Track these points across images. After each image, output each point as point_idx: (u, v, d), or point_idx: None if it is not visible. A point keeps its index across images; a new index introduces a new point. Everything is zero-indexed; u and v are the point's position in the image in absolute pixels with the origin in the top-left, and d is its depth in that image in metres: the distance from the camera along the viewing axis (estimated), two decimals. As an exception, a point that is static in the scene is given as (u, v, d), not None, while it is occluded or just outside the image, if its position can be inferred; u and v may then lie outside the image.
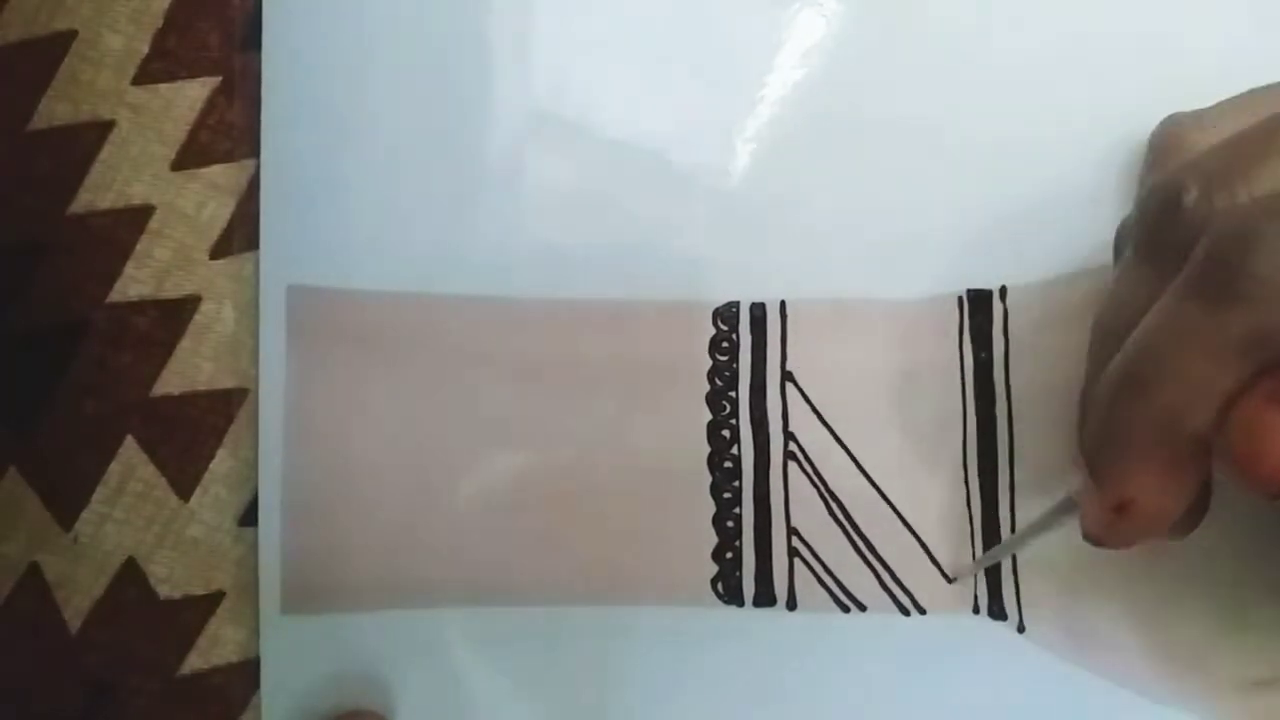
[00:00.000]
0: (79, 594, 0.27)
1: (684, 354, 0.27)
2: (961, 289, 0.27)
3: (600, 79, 0.28)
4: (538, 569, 0.27)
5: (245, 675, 0.27)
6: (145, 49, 0.28)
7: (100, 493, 0.27)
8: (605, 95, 0.28)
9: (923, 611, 0.26)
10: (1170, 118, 0.24)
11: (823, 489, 0.27)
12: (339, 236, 0.27)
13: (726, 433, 0.27)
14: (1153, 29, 0.27)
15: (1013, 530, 0.26)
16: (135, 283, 0.27)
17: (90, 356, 0.27)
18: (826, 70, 0.28)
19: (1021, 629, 0.26)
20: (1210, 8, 0.27)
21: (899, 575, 0.26)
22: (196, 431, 0.27)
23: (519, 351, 0.27)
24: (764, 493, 0.27)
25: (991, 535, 0.27)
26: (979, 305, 0.27)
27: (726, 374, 0.27)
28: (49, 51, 0.28)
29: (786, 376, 0.27)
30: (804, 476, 0.27)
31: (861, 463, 0.27)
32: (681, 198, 0.27)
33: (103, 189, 0.27)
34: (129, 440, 0.27)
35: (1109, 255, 0.23)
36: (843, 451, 0.27)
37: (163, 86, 0.28)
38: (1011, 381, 0.27)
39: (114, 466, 0.27)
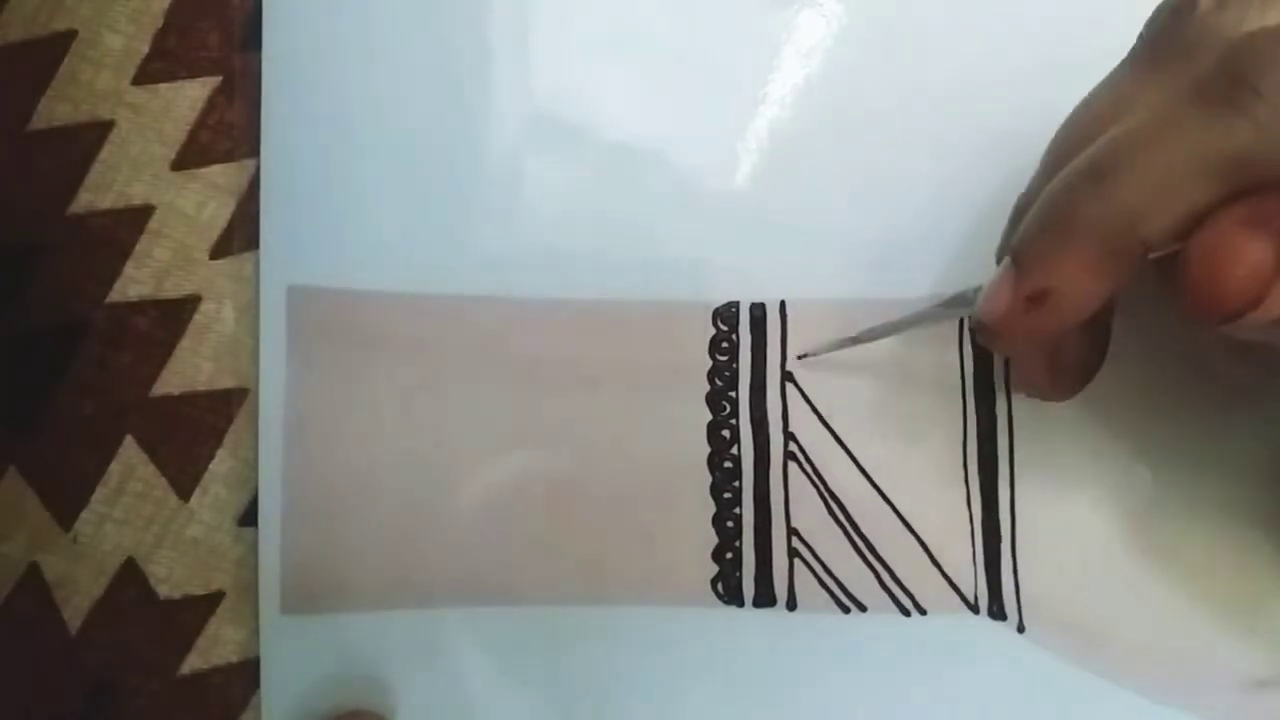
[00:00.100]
0: (79, 594, 0.27)
1: (684, 354, 0.27)
2: (961, 289, 0.27)
3: (600, 80, 0.28)
4: (538, 569, 0.27)
5: (245, 675, 0.27)
6: (145, 49, 0.28)
7: (100, 493, 0.27)
8: (605, 96, 0.28)
9: (923, 612, 0.26)
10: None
11: (822, 489, 0.27)
12: (339, 236, 0.27)
13: (726, 433, 0.27)
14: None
15: (1013, 531, 0.26)
16: (135, 283, 0.27)
17: (90, 356, 0.27)
18: (826, 71, 0.28)
19: (1021, 629, 0.26)
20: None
21: (899, 575, 0.26)
22: (196, 431, 0.27)
23: (519, 351, 0.27)
24: (764, 493, 0.27)
25: (991, 535, 0.27)
26: (979, 305, 0.27)
27: (726, 374, 0.27)
28: (49, 51, 0.28)
29: (786, 376, 0.27)
30: (804, 476, 0.27)
31: (861, 463, 0.27)
32: (681, 198, 0.27)
33: (103, 189, 0.27)
34: (129, 440, 0.27)
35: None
36: (843, 451, 0.27)
37: (163, 86, 0.28)
38: (1011, 381, 0.27)
39: (114, 466, 0.27)
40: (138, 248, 0.27)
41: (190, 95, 0.28)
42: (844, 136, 0.27)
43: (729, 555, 0.27)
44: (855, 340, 0.26)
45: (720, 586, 0.27)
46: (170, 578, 0.27)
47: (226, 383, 0.27)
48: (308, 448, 0.27)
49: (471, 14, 0.28)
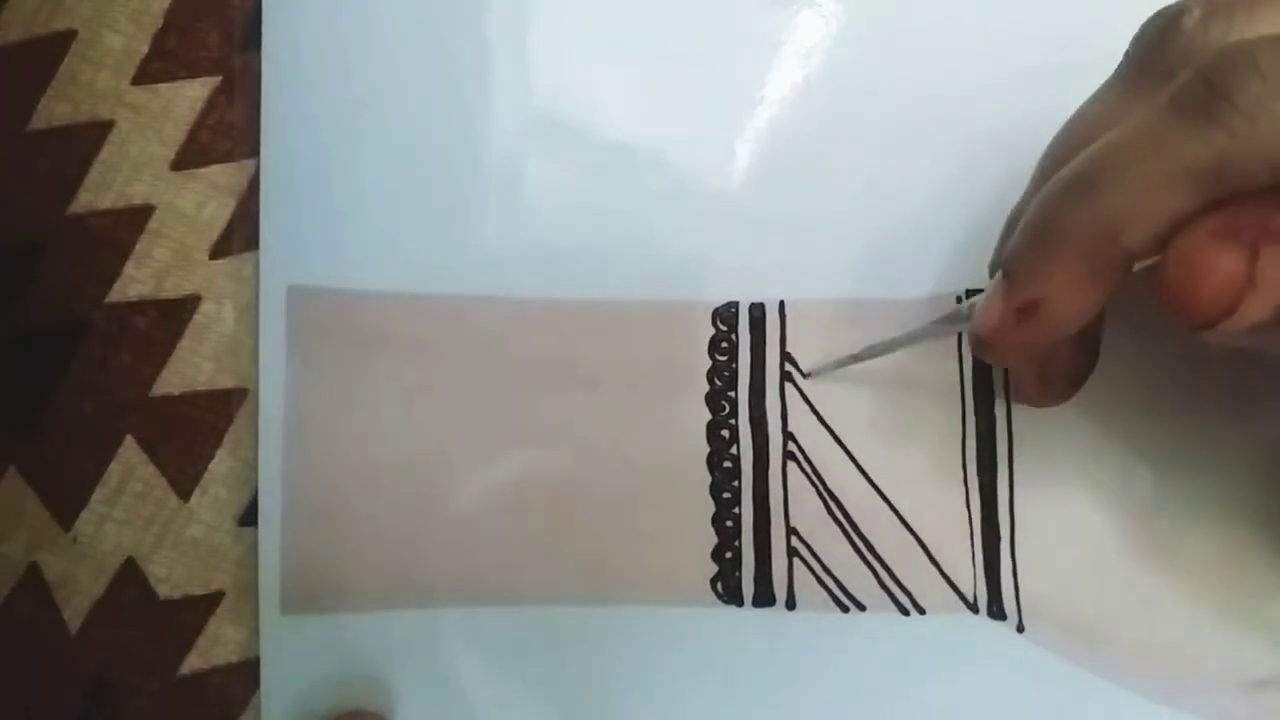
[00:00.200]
0: (79, 594, 0.27)
1: (684, 354, 0.27)
2: (961, 289, 0.27)
3: (600, 80, 0.28)
4: (537, 569, 0.27)
5: (245, 675, 0.27)
6: (145, 49, 0.28)
7: (100, 493, 0.27)
8: (605, 96, 0.28)
9: (922, 611, 0.26)
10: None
11: (821, 489, 0.27)
12: (339, 236, 0.27)
13: (726, 433, 0.27)
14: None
15: (1012, 531, 0.27)
16: (135, 283, 0.27)
17: (90, 356, 0.27)
18: (825, 71, 0.28)
19: (1021, 629, 0.26)
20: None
21: (898, 575, 0.26)
22: (196, 431, 0.27)
23: (519, 351, 0.27)
24: (763, 492, 0.27)
25: (991, 535, 0.27)
26: (979, 305, 0.27)
27: (726, 374, 0.27)
28: (49, 51, 0.28)
29: (785, 377, 0.27)
30: (803, 476, 0.27)
31: (860, 462, 0.27)
32: (681, 198, 0.27)
33: (103, 189, 0.27)
34: (129, 440, 0.27)
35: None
36: (842, 451, 0.27)
37: (163, 86, 0.28)
38: (1011, 390, 0.27)
39: (114, 466, 0.27)
40: (138, 248, 0.27)
41: (190, 95, 0.28)
42: (843, 136, 0.27)
43: (728, 555, 0.27)
44: (857, 358, 0.26)
45: (720, 586, 0.27)
46: (170, 578, 0.27)
47: (226, 383, 0.27)
48: (308, 448, 0.27)
49: (471, 14, 0.28)
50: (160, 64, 0.28)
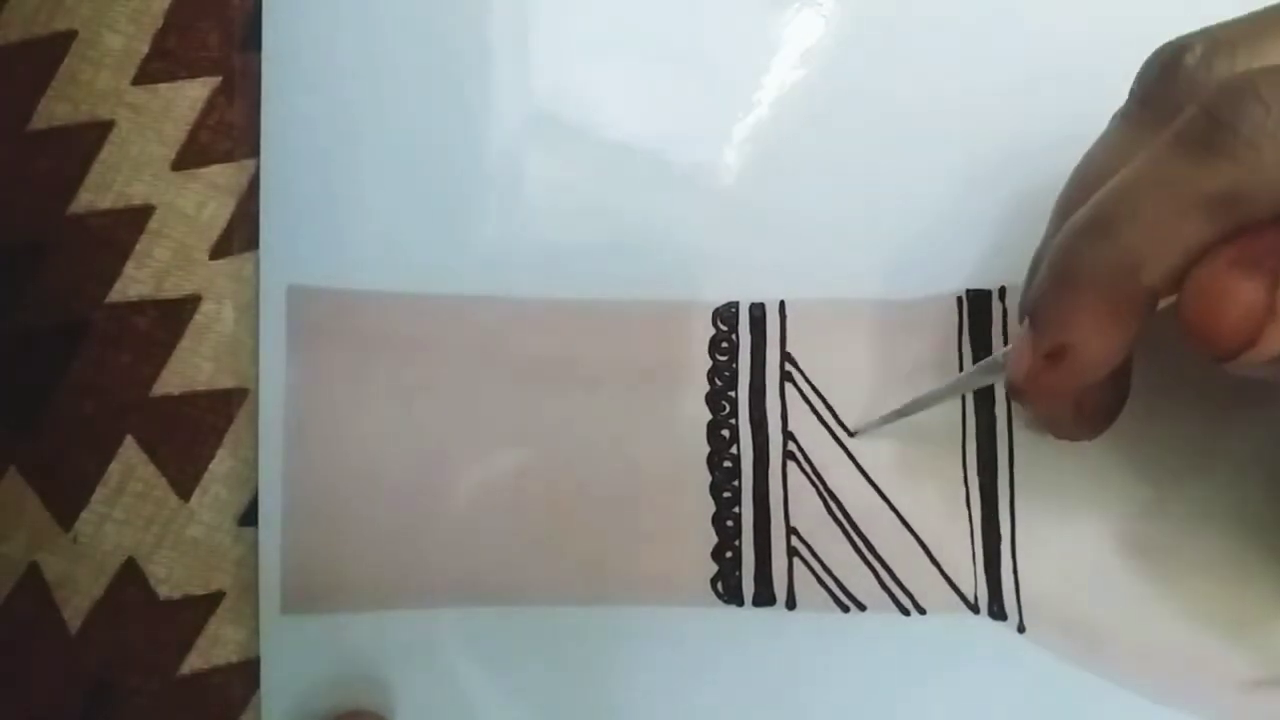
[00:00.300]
0: (79, 594, 0.27)
1: (684, 354, 0.27)
2: (961, 289, 0.27)
3: (599, 79, 0.28)
4: (537, 569, 0.27)
5: (245, 675, 0.27)
6: (145, 49, 0.28)
7: (100, 493, 0.27)
8: (604, 95, 0.28)
9: (922, 611, 0.26)
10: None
11: (821, 489, 0.27)
12: (339, 236, 0.27)
13: (726, 432, 0.27)
14: (1157, 30, 0.27)
15: (1013, 531, 0.26)
16: (135, 283, 0.27)
17: (90, 356, 0.27)
18: (825, 70, 0.28)
19: (1021, 629, 0.26)
20: (1217, 10, 0.27)
21: (898, 575, 0.26)
22: (196, 431, 0.27)
23: (519, 351, 0.27)
24: (763, 492, 0.27)
25: (992, 535, 0.27)
26: (978, 305, 0.27)
27: (726, 374, 0.27)
28: (49, 51, 0.28)
29: (786, 376, 0.27)
30: (803, 476, 0.27)
31: (860, 462, 0.27)
32: (681, 198, 0.27)
33: (103, 189, 0.27)
34: (129, 440, 0.27)
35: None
36: (842, 451, 0.27)
37: (163, 86, 0.28)
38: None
39: (114, 466, 0.27)
40: (138, 248, 0.27)
41: (190, 95, 0.28)
42: (844, 136, 0.27)
43: (728, 554, 0.27)
44: (901, 413, 0.26)
45: (720, 586, 0.27)
46: (170, 578, 0.27)
47: (226, 383, 0.27)
48: (308, 448, 0.27)
49: (471, 14, 0.28)
50: (160, 64, 0.28)
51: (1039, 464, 0.27)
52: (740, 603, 0.27)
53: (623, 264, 0.27)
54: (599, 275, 0.27)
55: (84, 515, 0.27)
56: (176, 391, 0.27)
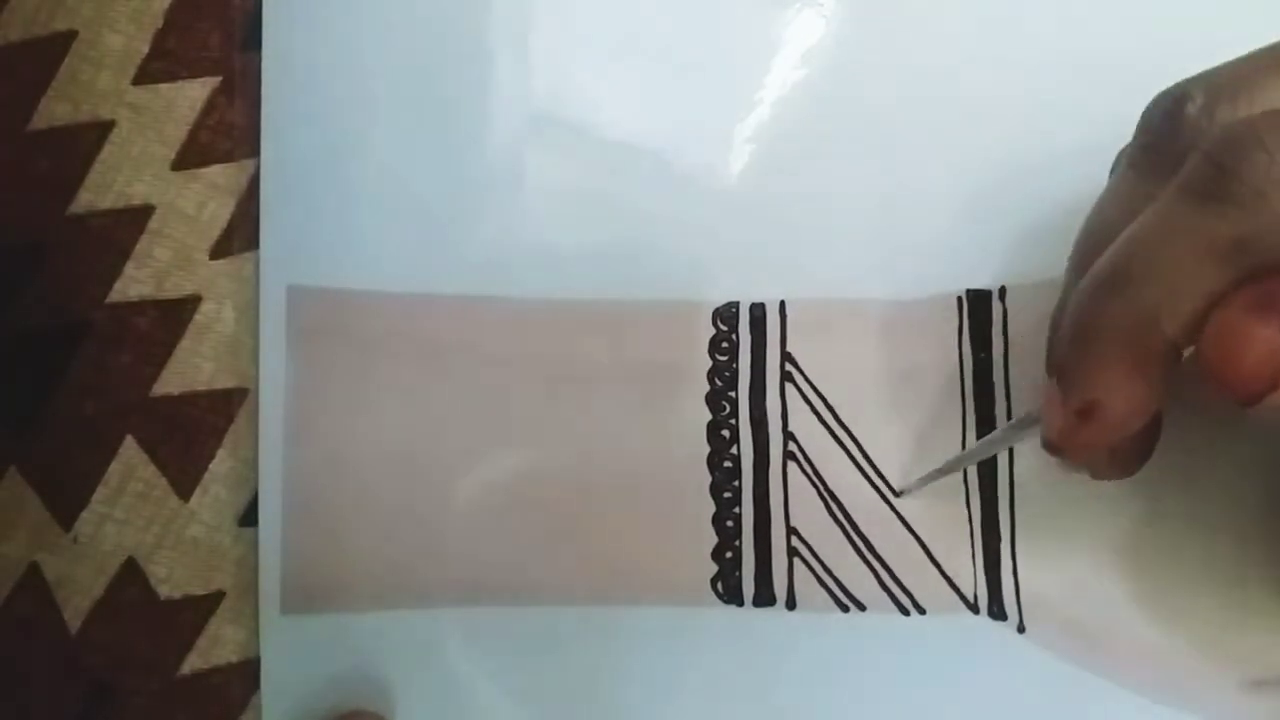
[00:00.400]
0: (79, 594, 0.27)
1: (684, 354, 0.27)
2: (961, 289, 0.27)
3: (600, 79, 0.28)
4: (537, 569, 0.27)
5: (245, 675, 0.27)
6: (145, 49, 0.28)
7: (100, 493, 0.27)
8: (605, 95, 0.28)
9: (922, 611, 0.26)
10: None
11: (822, 489, 0.27)
12: (339, 236, 0.27)
13: (726, 432, 0.27)
14: (1156, 30, 0.27)
15: (1012, 531, 0.26)
16: (135, 283, 0.27)
17: (90, 356, 0.27)
18: (826, 70, 0.28)
19: (1021, 629, 0.26)
20: (1217, 10, 0.27)
21: (898, 575, 0.26)
22: (196, 431, 0.27)
23: (519, 351, 0.27)
24: (763, 492, 0.27)
25: (992, 535, 0.27)
26: (979, 305, 0.27)
27: (726, 374, 0.27)
28: (49, 51, 0.28)
29: (786, 376, 0.27)
30: (803, 476, 0.27)
31: (861, 463, 0.27)
32: (681, 198, 0.27)
33: (103, 189, 0.27)
34: (129, 440, 0.27)
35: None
36: (842, 451, 0.27)
37: (163, 86, 0.28)
38: (1011, 381, 0.27)
39: (114, 466, 0.27)
40: (138, 248, 0.27)
41: (190, 95, 0.28)
42: (844, 136, 0.27)
43: (728, 554, 0.27)
44: (942, 472, 0.26)
45: (720, 586, 0.27)
46: (170, 578, 0.27)
47: (226, 383, 0.27)
48: (308, 448, 0.27)
49: (471, 14, 0.28)
50: (161, 64, 0.28)
51: (1039, 464, 0.27)
52: (740, 603, 0.27)
53: (623, 264, 0.27)
54: (599, 275, 0.27)
55: (84, 515, 0.27)
56: (176, 391, 0.27)
